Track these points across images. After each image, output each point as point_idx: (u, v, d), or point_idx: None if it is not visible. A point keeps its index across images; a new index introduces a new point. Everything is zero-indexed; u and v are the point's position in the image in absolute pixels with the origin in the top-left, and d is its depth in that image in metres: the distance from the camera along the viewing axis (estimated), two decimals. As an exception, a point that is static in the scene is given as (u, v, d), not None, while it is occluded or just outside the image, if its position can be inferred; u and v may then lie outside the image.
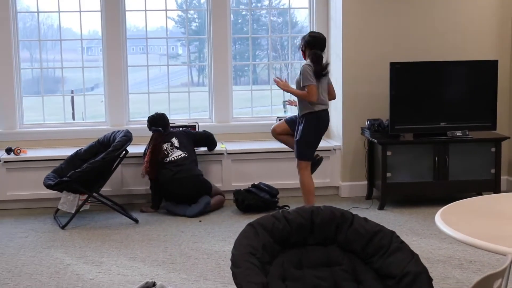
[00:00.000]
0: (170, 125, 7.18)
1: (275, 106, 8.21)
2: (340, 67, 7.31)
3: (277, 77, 6.52)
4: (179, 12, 8.35)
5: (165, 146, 6.91)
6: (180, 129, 7.28)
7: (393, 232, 3.43)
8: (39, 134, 7.59)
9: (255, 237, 3.32)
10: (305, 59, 6.31)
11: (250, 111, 8.17)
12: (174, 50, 8.69)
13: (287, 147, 6.75)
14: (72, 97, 8.07)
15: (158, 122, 7.06)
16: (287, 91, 6.45)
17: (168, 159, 6.85)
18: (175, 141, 6.94)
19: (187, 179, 6.79)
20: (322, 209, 3.48)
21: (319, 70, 6.11)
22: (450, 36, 7.42)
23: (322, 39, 6.28)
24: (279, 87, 6.41)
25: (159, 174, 6.85)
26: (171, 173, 6.79)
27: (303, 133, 6.23)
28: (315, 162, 6.45)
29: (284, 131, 6.63)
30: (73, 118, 8.07)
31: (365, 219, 3.51)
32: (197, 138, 7.19)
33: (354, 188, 7.45)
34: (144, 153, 6.94)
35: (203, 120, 7.83)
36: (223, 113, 7.82)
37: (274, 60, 8.46)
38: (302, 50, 6.33)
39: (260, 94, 8.37)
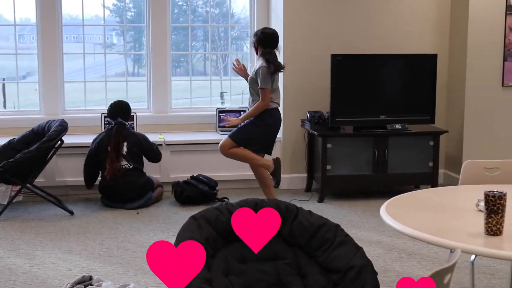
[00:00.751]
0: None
1: (214, 97, 8.10)
2: (281, 59, 7.25)
3: (235, 63, 6.49)
4: (114, 1, 8.15)
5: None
6: (132, 130, 6.93)
7: (337, 226, 3.39)
8: (-31, 123, 7.33)
9: (198, 230, 3.24)
10: (257, 54, 6.26)
11: (188, 102, 8.04)
12: (109, 40, 8.49)
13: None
14: (3, 85, 7.80)
15: (123, 112, 6.79)
16: (243, 121, 6.27)
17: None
18: (124, 147, 6.63)
19: (128, 188, 6.59)
20: (266, 201, 3.42)
21: (276, 69, 6.09)
22: (390, 29, 7.46)
23: (275, 36, 6.22)
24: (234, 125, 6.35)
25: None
26: (112, 183, 6.58)
27: (249, 127, 6.18)
28: (276, 165, 6.26)
29: (233, 146, 6.31)
30: (4, 106, 7.79)
31: (310, 212, 3.47)
32: (146, 151, 6.80)
33: (293, 181, 7.42)
34: (95, 150, 6.66)
35: (141, 110, 7.68)
36: (161, 103, 7.69)
37: (211, 50, 8.37)
38: (254, 46, 6.27)
39: (197, 84, 8.25)
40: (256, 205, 3.34)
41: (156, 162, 6.93)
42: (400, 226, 3.07)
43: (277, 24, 7.32)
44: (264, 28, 6.42)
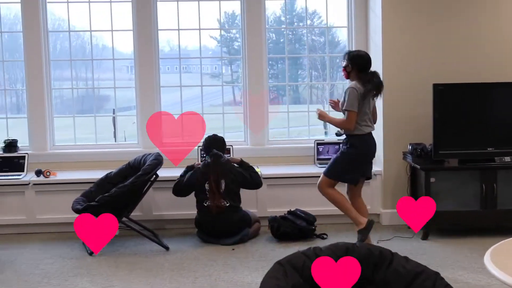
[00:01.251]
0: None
1: (313, 126, 7.89)
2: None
3: (331, 100, 6.31)
4: (222, 32, 8.13)
5: (208, 186, 6.50)
6: (229, 164, 6.68)
7: (437, 274, 3.11)
8: (70, 156, 7.41)
9: (284, 277, 3.03)
10: (347, 78, 6.01)
11: (287, 131, 7.85)
12: (216, 70, 8.48)
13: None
14: (114, 118, 7.86)
15: (218, 146, 6.67)
16: (325, 121, 6.13)
17: (207, 203, 6.50)
18: (221, 185, 6.52)
19: (225, 224, 6.46)
20: (358, 246, 3.18)
21: (371, 90, 5.83)
22: (496, 57, 7.05)
23: (369, 58, 5.97)
24: (318, 118, 6.15)
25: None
26: (208, 218, 6.48)
27: (341, 158, 5.94)
28: (367, 226, 5.97)
29: (331, 184, 6.07)
30: (115, 138, 7.86)
31: (406, 258, 3.19)
32: (244, 185, 6.64)
33: (395, 216, 7.05)
34: (191, 182, 6.56)
35: (238, 143, 7.56)
36: (258, 136, 7.54)
37: (315, 79, 8.19)
38: (345, 69, 6.00)
39: (301, 114, 8.09)
40: (347, 250, 3.11)
41: (258, 188, 6.73)
42: (507, 278, 2.76)
43: (375, 52, 7.06)
44: (357, 50, 6.17)
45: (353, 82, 5.87)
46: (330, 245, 3.20)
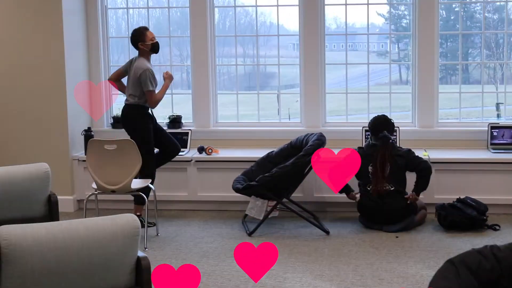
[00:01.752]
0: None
1: (486, 107, 7.36)
2: None
3: None
4: (389, 8, 7.76)
5: (372, 169, 6.22)
6: (397, 147, 6.39)
7: None
8: (232, 133, 7.35)
9: (456, 278, 2.69)
10: None
11: (457, 112, 7.37)
12: (383, 47, 8.16)
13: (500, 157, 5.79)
14: (277, 95, 7.74)
15: (386, 127, 6.31)
16: None
17: (370, 187, 6.22)
18: (387, 168, 6.18)
19: (389, 210, 6.12)
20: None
21: None
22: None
23: None
24: None
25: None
26: (371, 203, 6.19)
27: None
28: None
29: None
30: (279, 116, 7.75)
31: None
32: (412, 167, 6.25)
33: None
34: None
35: (405, 124, 7.17)
36: (427, 117, 7.11)
37: (487, 58, 7.62)
38: None
39: (470, 94, 7.58)
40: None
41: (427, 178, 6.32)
42: None
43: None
44: None
45: None
46: (510, 243, 2.83)
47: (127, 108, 6.23)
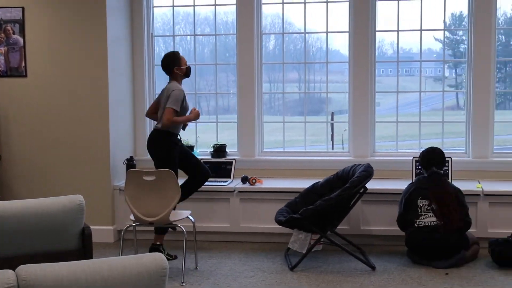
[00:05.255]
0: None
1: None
2: None
3: None
4: (447, 34, 7.51)
5: (422, 203, 5.96)
6: (447, 182, 6.11)
7: None
8: (277, 163, 7.18)
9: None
10: None
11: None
12: (440, 73, 7.90)
13: None
14: (332, 125, 7.56)
15: (436, 161, 6.10)
16: None
17: (418, 222, 5.94)
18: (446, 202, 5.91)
19: (439, 245, 5.82)
20: None
21: None
22: None
23: None
24: None
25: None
26: (420, 237, 5.89)
27: None
28: None
29: None
30: (332, 140, 7.57)
31: None
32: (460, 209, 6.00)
33: None
34: (404, 201, 6.04)
35: (458, 154, 6.88)
36: (482, 147, 6.81)
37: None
38: None
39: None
40: None
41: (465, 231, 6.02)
42: None
43: None
44: None
45: None
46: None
47: (155, 132, 6.11)
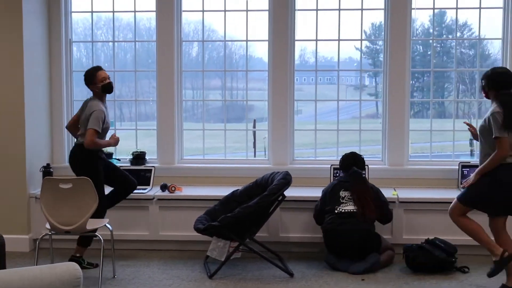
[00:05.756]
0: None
1: (458, 142, 7.22)
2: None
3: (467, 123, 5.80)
4: (367, 43, 7.68)
5: (344, 193, 6.15)
6: (368, 183, 6.32)
7: None
8: (197, 170, 7.17)
9: None
10: (487, 98, 5.35)
11: (430, 146, 7.22)
12: (360, 82, 8.07)
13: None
14: (254, 132, 7.60)
15: (356, 164, 6.34)
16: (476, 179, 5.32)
17: (338, 209, 6.10)
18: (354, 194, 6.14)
19: (352, 231, 5.97)
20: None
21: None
22: None
23: (509, 76, 5.26)
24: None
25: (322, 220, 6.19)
26: (333, 225, 6.05)
27: (480, 185, 5.22)
28: (503, 261, 5.23)
29: (464, 211, 5.42)
30: (254, 148, 7.61)
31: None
32: (381, 209, 6.19)
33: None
34: (327, 195, 6.21)
35: (374, 162, 7.04)
36: (397, 155, 6.98)
37: (463, 93, 7.51)
38: (484, 90, 5.34)
39: (445, 127, 7.49)
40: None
41: (387, 223, 6.25)
42: None
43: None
44: (495, 68, 5.45)
45: (495, 105, 5.18)
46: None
47: (76, 147, 6.01)
